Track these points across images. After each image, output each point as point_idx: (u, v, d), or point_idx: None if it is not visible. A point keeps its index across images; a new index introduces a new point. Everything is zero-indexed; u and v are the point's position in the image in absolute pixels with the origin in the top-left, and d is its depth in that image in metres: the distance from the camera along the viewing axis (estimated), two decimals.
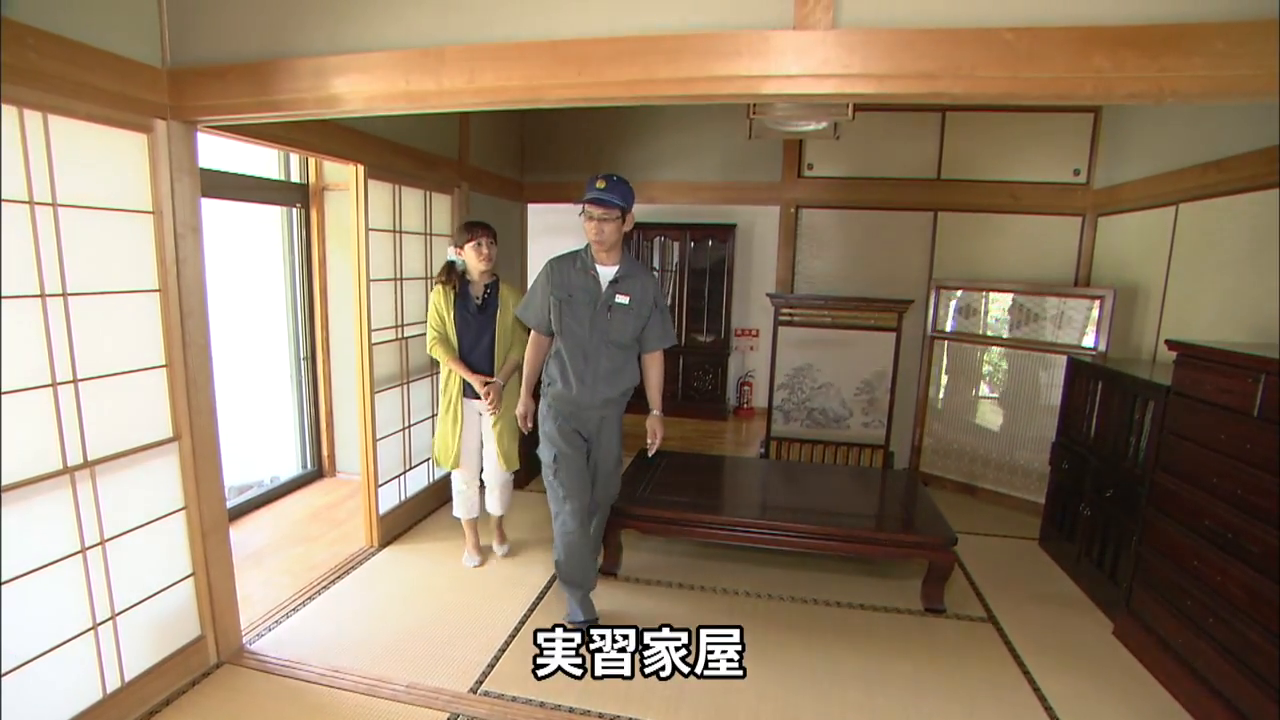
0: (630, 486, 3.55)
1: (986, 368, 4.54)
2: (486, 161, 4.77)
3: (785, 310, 4.47)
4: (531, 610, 3.05)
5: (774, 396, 4.59)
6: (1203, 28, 1.58)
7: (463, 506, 3.46)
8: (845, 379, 4.42)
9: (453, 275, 3.18)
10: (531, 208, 5.57)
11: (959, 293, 4.55)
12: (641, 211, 6.31)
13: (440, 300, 3.18)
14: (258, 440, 4.62)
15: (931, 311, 4.58)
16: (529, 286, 2.92)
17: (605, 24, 1.85)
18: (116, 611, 2.20)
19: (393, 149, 3.60)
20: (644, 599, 3.18)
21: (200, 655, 2.52)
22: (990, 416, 4.56)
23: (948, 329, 4.61)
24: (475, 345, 3.21)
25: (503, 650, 2.75)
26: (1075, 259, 4.50)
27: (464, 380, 3.21)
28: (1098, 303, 3.95)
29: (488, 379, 3.19)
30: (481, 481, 3.49)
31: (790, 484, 3.91)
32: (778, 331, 4.45)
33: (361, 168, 3.35)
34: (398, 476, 3.86)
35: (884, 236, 4.72)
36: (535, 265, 7.28)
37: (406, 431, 3.91)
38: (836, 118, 3.09)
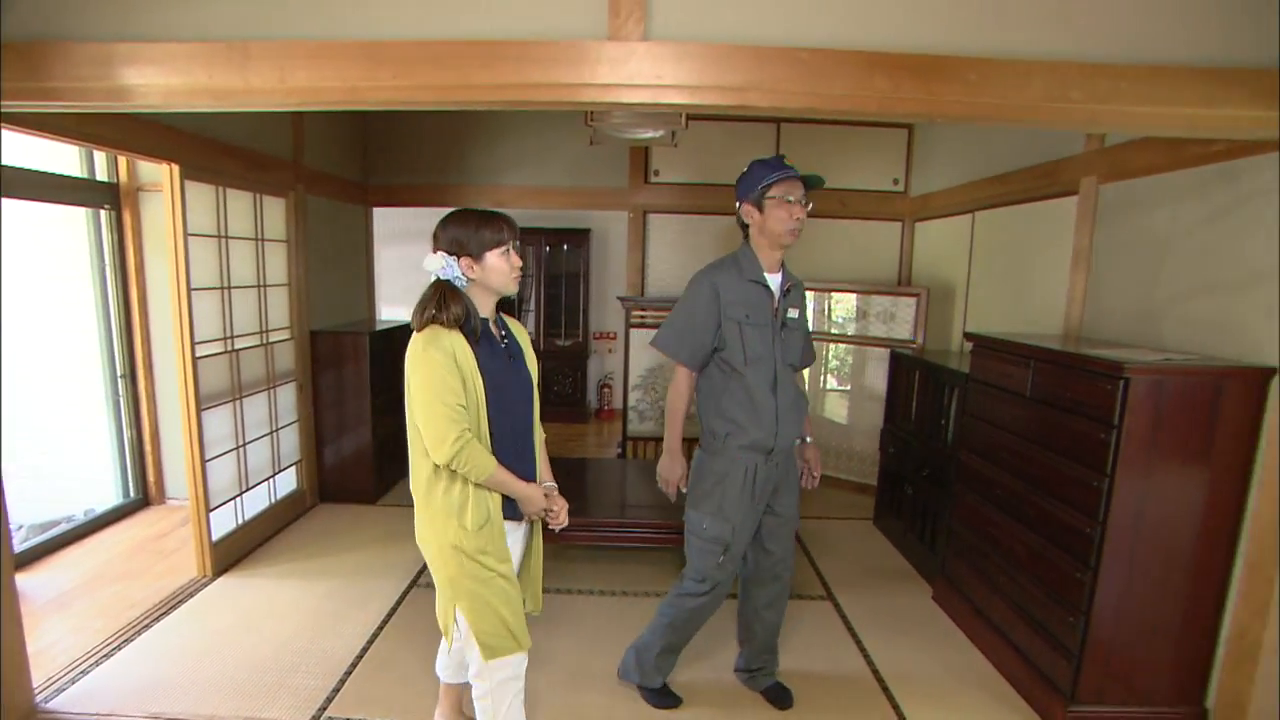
0: None
1: (833, 362, 4.89)
2: (325, 163, 4.54)
3: (636, 313, 4.59)
4: (380, 630, 2.94)
5: (628, 397, 4.69)
6: (959, 60, 1.81)
7: (458, 666, 2.17)
8: None
9: (469, 312, 1.76)
10: (378, 212, 5.35)
11: None
12: None
13: (457, 359, 1.70)
14: (67, 469, 4.13)
15: None
16: (684, 308, 2.21)
17: (423, 26, 1.83)
18: None
19: (214, 148, 3.35)
20: None
21: None
22: (830, 408, 4.91)
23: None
24: (519, 425, 1.89)
25: (348, 674, 2.63)
26: (898, 260, 4.95)
27: (503, 499, 1.84)
28: (915, 300, 4.37)
29: (545, 486, 1.95)
30: None
31: (646, 482, 4.01)
32: (629, 334, 4.56)
33: (176, 167, 3.09)
34: (233, 499, 3.59)
35: (728, 240, 4.95)
36: (386, 273, 7.12)
37: (241, 450, 3.65)
38: (672, 126, 3.22)
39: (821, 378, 4.94)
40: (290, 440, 4.17)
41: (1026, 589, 2.58)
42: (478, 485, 1.76)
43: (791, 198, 2.10)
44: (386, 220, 6.10)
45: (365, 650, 2.79)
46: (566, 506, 1.96)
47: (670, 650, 2.45)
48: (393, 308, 7.00)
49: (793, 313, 2.25)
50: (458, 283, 1.77)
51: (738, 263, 2.20)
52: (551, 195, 5.08)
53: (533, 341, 6.90)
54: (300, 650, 2.76)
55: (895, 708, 2.51)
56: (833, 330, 4.80)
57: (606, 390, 7.02)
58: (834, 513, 4.40)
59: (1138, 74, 1.85)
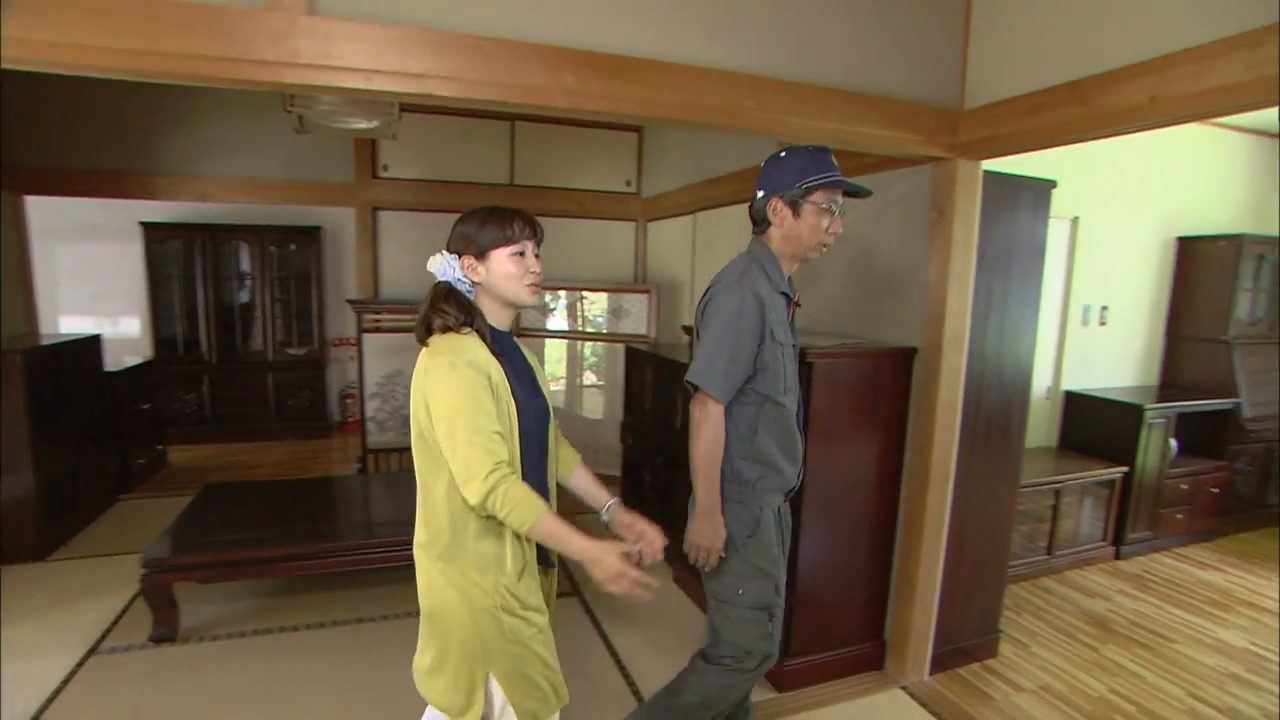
0: (191, 529, 3.05)
1: (590, 359, 4.97)
2: None
3: (369, 316, 4.29)
4: (58, 691, 2.39)
5: (366, 407, 4.37)
6: (641, 62, 1.88)
7: None
8: None
9: (470, 313, 1.50)
10: (40, 202, 4.40)
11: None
12: (204, 211, 5.54)
13: (492, 378, 1.44)
14: None
15: None
16: (729, 328, 1.73)
17: None
18: None
19: None
20: (211, 661, 2.71)
21: None
22: (575, 404, 4.99)
23: (536, 325, 4.92)
24: (538, 460, 1.60)
25: None
26: (633, 258, 5.18)
27: (539, 546, 1.57)
28: (647, 296, 4.59)
29: (609, 507, 1.72)
30: None
31: (388, 497, 3.75)
32: (363, 339, 4.25)
33: None
34: None
35: None
36: (62, 277, 5.91)
37: None
38: (384, 117, 3.01)
39: (579, 375, 5.00)
40: None
41: None
42: (512, 533, 1.44)
43: (835, 207, 1.76)
44: (56, 213, 5.05)
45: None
46: (659, 533, 1.59)
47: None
48: (74, 318, 5.83)
49: (796, 320, 1.95)
50: (459, 286, 1.51)
51: (764, 270, 1.78)
52: (267, 188, 4.55)
53: (260, 353, 6.14)
54: None
55: (639, 698, 2.57)
56: (588, 329, 4.89)
57: (351, 400, 6.49)
58: (584, 508, 4.44)
59: (795, 90, 2.08)
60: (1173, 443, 4.04)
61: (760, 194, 1.80)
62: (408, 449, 4.47)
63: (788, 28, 2.09)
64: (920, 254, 2.52)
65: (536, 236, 1.53)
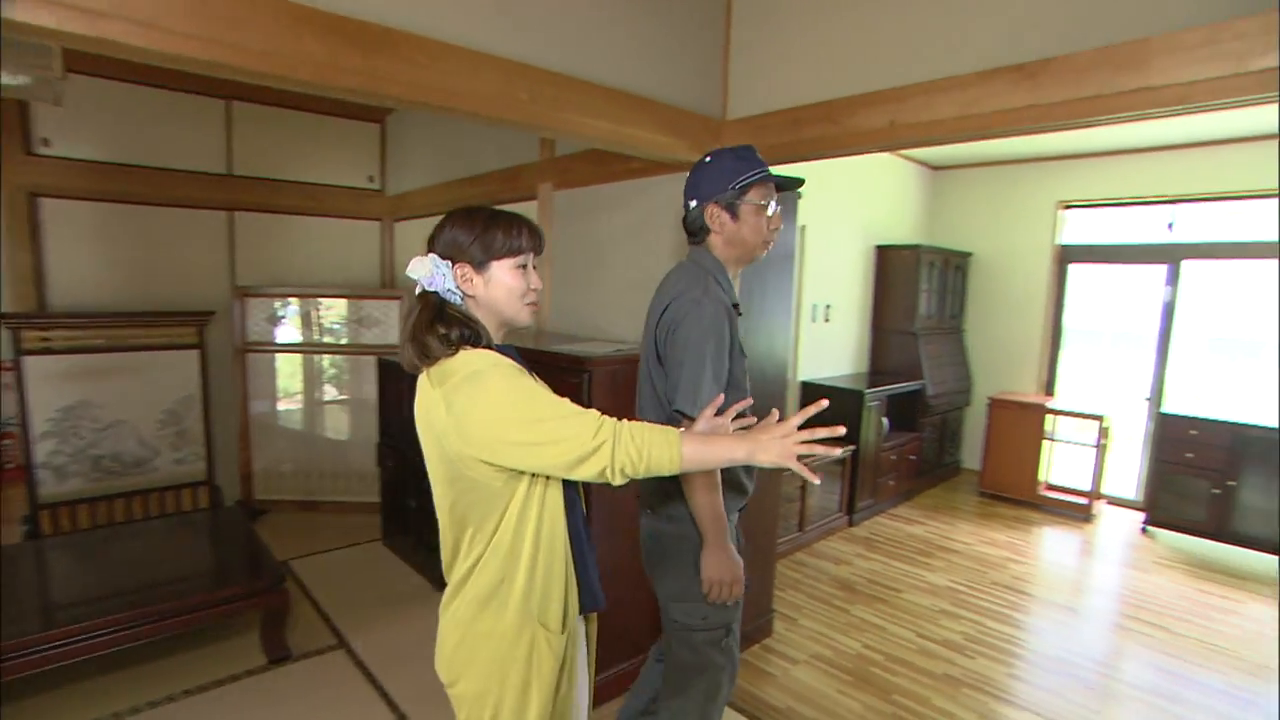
0: None
1: (330, 371, 4.37)
2: None
3: (34, 334, 3.35)
4: None
5: (35, 450, 3.43)
6: (405, 36, 1.65)
7: None
8: (142, 411, 3.59)
9: (479, 331, 1.30)
10: None
11: (268, 300, 4.22)
12: None
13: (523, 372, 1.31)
14: None
15: (239, 322, 4.12)
16: (712, 345, 1.59)
17: None
18: None
19: None
20: None
21: None
22: (320, 426, 4.41)
23: (266, 339, 4.23)
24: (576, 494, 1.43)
25: None
26: (380, 261, 4.72)
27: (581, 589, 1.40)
28: (399, 303, 4.20)
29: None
30: None
31: (78, 565, 2.94)
32: (24, 364, 3.31)
33: None
34: None
35: (171, 238, 3.98)
36: None
37: None
38: (36, 72, 2.28)
39: (298, 395, 4.38)
40: None
41: None
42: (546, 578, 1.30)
43: (772, 205, 1.68)
44: None
45: None
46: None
47: None
48: None
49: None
50: (450, 297, 1.31)
51: (717, 281, 1.69)
52: None
53: None
54: None
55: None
56: (325, 339, 4.31)
57: (9, 442, 5.05)
58: (339, 542, 3.96)
59: (570, 85, 1.98)
60: (885, 421, 4.71)
61: (693, 203, 1.73)
62: (100, 498, 3.60)
63: (566, 21, 1.99)
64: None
65: (540, 249, 1.37)
